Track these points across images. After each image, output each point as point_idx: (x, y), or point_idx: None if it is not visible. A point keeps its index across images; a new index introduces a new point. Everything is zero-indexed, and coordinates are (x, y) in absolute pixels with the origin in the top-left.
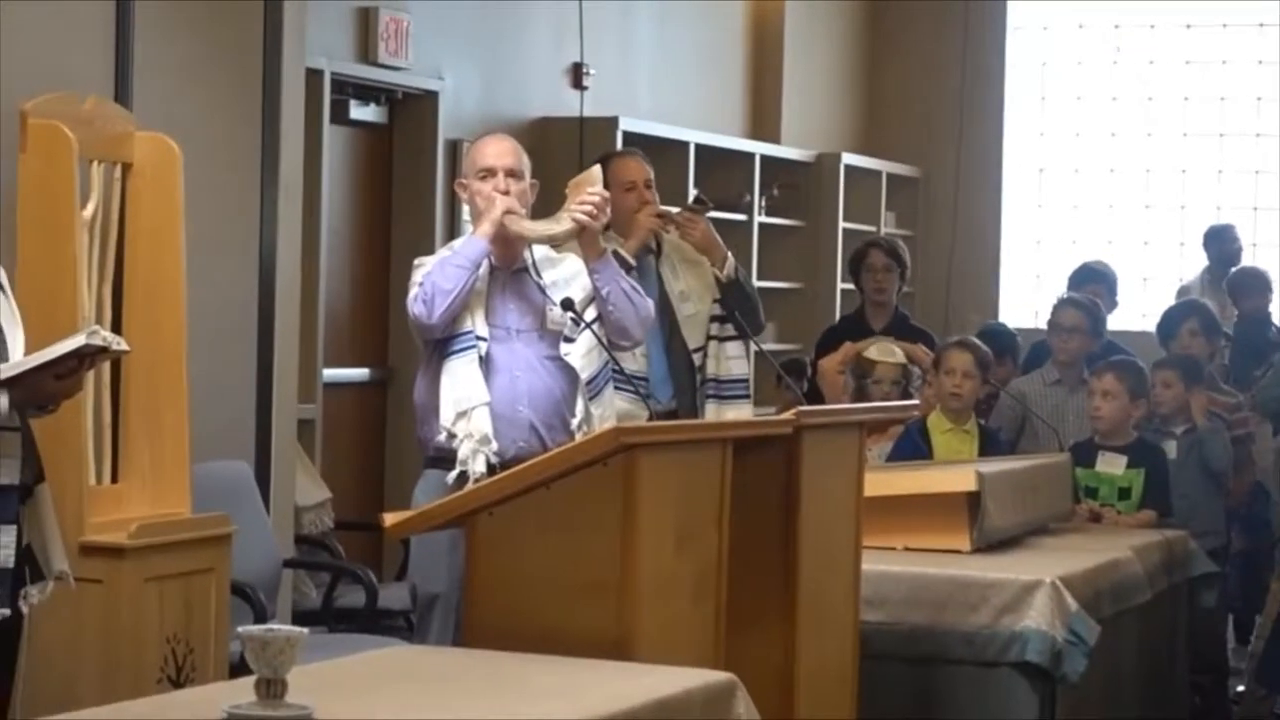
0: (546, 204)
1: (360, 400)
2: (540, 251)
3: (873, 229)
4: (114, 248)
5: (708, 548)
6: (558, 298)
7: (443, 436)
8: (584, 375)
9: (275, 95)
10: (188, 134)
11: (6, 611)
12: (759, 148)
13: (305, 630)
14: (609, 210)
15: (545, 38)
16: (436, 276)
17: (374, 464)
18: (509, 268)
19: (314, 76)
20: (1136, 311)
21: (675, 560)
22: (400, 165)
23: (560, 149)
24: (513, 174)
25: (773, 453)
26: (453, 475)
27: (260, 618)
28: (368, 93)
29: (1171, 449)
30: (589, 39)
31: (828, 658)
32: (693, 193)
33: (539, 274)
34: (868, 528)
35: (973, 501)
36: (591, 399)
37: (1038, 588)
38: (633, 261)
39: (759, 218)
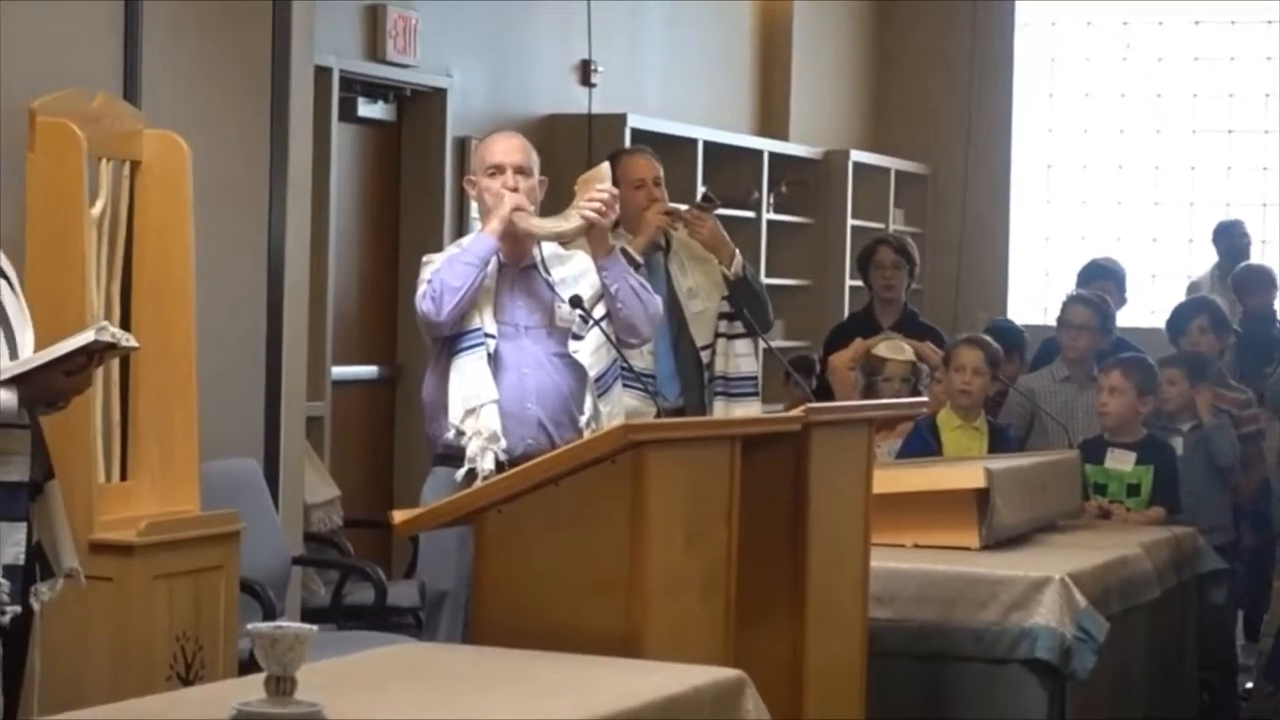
0: (555, 201)
1: (369, 398)
2: (549, 248)
3: (881, 226)
4: (123, 246)
5: (717, 545)
6: (566, 295)
7: (451, 434)
8: (592, 372)
9: (284, 93)
10: (196, 132)
11: (17, 609)
12: (767, 145)
13: (314, 627)
14: (618, 207)
15: (553, 35)
16: (445, 274)
17: (383, 461)
18: (518, 265)
19: (322, 74)
20: (1145, 308)
21: (684, 557)
22: (409, 163)
23: (568, 146)
24: (521, 171)
25: (782, 450)
26: (461, 473)
27: (269, 615)
28: (376, 90)
29: (1177, 446)
30: (597, 36)
31: (837, 654)
32: (701, 190)
33: (548, 271)
34: (877, 525)
35: (982, 498)
36: (600, 396)
37: (1047, 584)
38: (640, 259)
39: (767, 215)
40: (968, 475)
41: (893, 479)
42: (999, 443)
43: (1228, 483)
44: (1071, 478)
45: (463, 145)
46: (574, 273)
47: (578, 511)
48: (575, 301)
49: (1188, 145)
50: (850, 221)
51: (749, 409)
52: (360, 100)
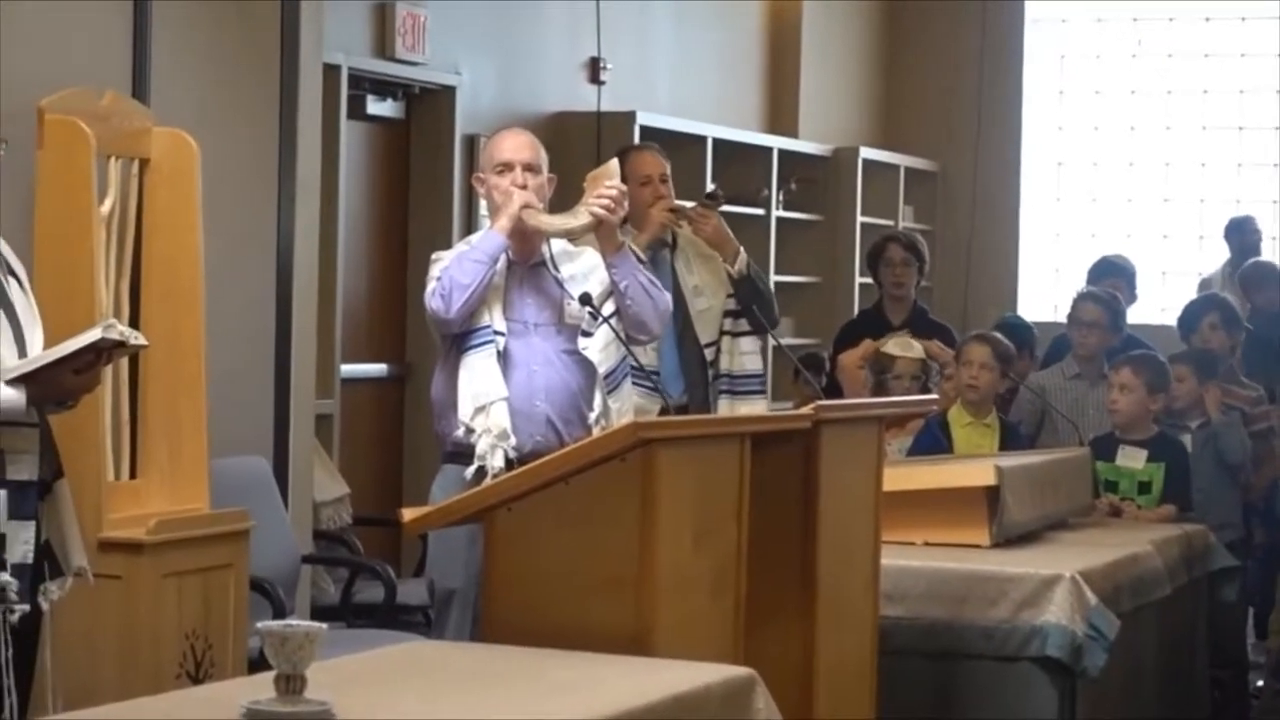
0: (564, 198)
1: (378, 395)
2: (558, 245)
3: (891, 223)
4: (131, 244)
5: (726, 543)
6: (576, 292)
7: (460, 432)
8: (602, 369)
9: (293, 91)
10: (205, 130)
11: (26, 607)
12: (777, 142)
13: (324, 626)
14: (627, 204)
15: (562, 32)
16: (454, 271)
17: (392, 459)
18: (527, 262)
19: (331, 72)
20: (1155, 305)
21: (694, 555)
22: (417, 160)
23: (577, 143)
24: (530, 168)
25: (791, 447)
26: (470, 470)
27: (279, 613)
28: (385, 88)
29: (1187, 443)
30: (606, 33)
31: (847, 653)
32: (710, 186)
33: (557, 268)
34: (887, 522)
35: (992, 496)
36: (609, 393)
37: (1057, 582)
38: (643, 255)
39: (776, 212)
40: (978, 473)
41: (903, 476)
42: (1010, 440)
43: (1237, 480)
44: (1082, 475)
45: (472, 143)
46: (583, 270)
47: (587, 509)
48: (585, 299)
49: (1198, 142)
50: (860, 219)
51: (754, 407)
52: (369, 98)
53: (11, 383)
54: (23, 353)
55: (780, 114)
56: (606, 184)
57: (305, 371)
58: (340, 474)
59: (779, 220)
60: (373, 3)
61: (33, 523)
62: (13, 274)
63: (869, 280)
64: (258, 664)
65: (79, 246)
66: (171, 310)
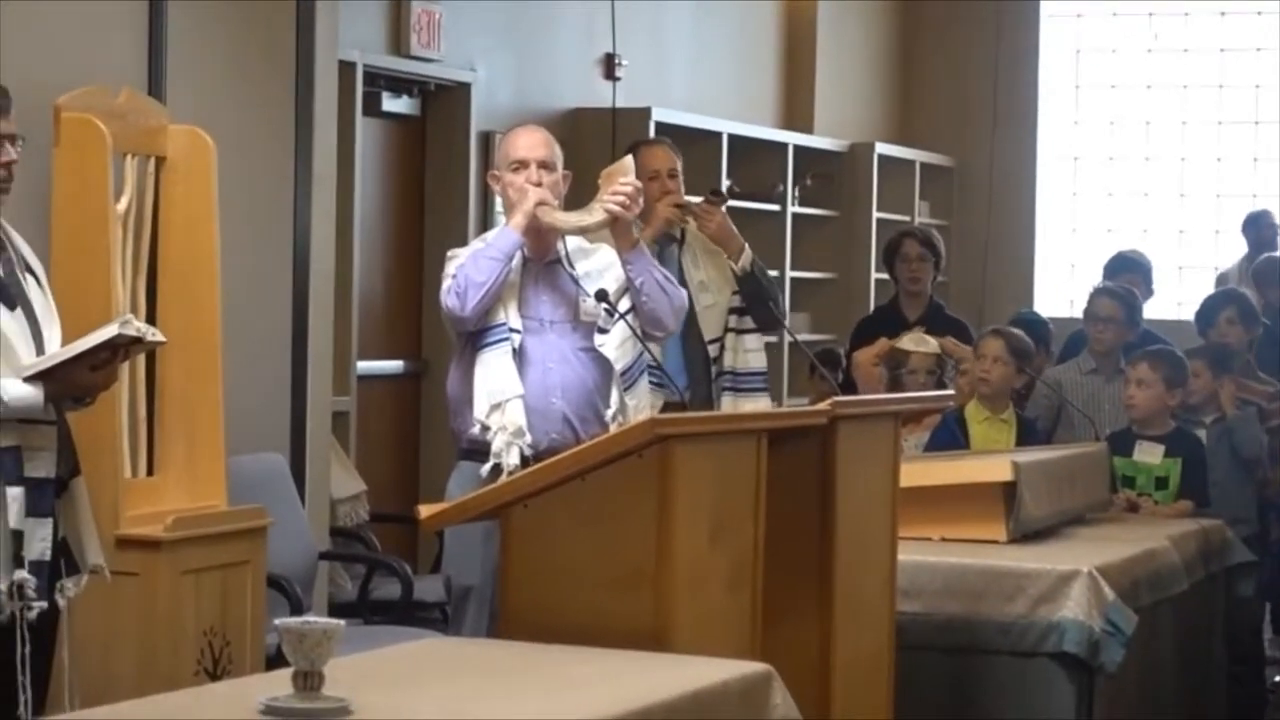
0: (579, 195)
1: (394, 392)
2: (573, 242)
3: (907, 219)
4: (148, 241)
5: (743, 539)
6: (591, 289)
7: (476, 429)
8: (618, 366)
9: (308, 88)
10: (221, 127)
11: (44, 604)
12: (792, 138)
13: (342, 622)
14: (641, 200)
15: (577, 28)
16: (469, 269)
17: (408, 456)
18: (542, 259)
19: (346, 69)
20: (1172, 300)
21: (711, 551)
22: (433, 157)
23: (593, 140)
24: (545, 165)
25: (808, 443)
26: (487, 468)
27: (296, 610)
28: (400, 85)
29: (1202, 438)
30: (621, 29)
31: (864, 648)
32: (726, 183)
33: (572, 265)
34: (904, 518)
35: (1009, 491)
36: (626, 390)
37: (1075, 578)
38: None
39: (792, 208)
40: (995, 468)
41: (920, 472)
42: (1027, 435)
43: (1253, 475)
44: (1099, 470)
45: (487, 139)
46: (598, 266)
47: (604, 506)
48: (601, 296)
49: (1214, 136)
50: (875, 214)
51: (757, 405)
52: (384, 95)
53: (29, 380)
54: (40, 350)
55: (796, 110)
56: (621, 181)
57: (322, 368)
58: (357, 471)
59: (795, 216)
60: (388, 0)
61: (50, 520)
62: (30, 271)
63: (885, 276)
64: (275, 661)
65: (95, 244)
66: (188, 307)
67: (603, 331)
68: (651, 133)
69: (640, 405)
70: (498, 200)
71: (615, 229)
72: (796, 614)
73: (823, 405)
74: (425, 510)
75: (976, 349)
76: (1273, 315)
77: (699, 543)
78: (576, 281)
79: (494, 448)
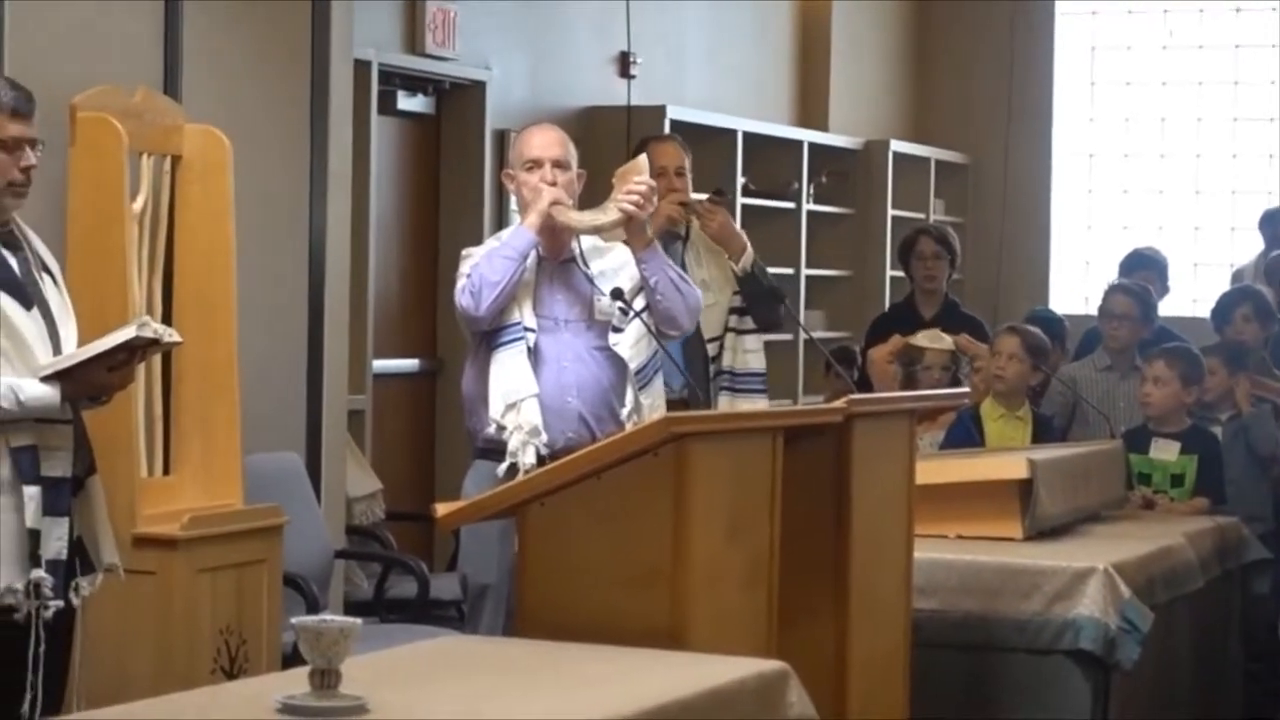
0: (594, 193)
1: (410, 391)
2: (588, 241)
3: (922, 216)
4: (164, 240)
5: (759, 537)
6: (605, 287)
7: (492, 429)
8: (633, 365)
9: (323, 87)
10: (237, 126)
11: (60, 603)
12: (807, 135)
13: (359, 621)
14: (656, 199)
15: (592, 27)
16: (484, 268)
17: (424, 454)
18: (557, 258)
19: (362, 68)
20: (1187, 297)
21: (727, 549)
22: (448, 156)
23: (607, 138)
24: (559, 164)
25: (824, 441)
26: (503, 467)
27: (312, 608)
28: (415, 83)
29: (1217, 435)
30: (636, 27)
31: (880, 646)
32: (742, 180)
33: (587, 264)
34: (919, 516)
35: (1025, 489)
36: (641, 389)
37: (1090, 575)
38: None
39: (807, 205)
40: (1010, 466)
41: (935, 470)
42: (1042, 432)
43: (1268, 472)
44: (1115, 468)
45: (502, 138)
46: (613, 265)
47: (620, 504)
48: (616, 294)
49: (1230, 133)
50: (890, 212)
51: (754, 407)
52: (400, 93)
53: (46, 380)
54: (56, 350)
55: (811, 107)
56: (635, 180)
57: (337, 367)
58: (372, 469)
59: (810, 214)
60: None
61: (66, 519)
62: (47, 271)
63: (900, 273)
64: (291, 659)
65: (111, 243)
66: (204, 306)
67: (617, 331)
68: (666, 131)
69: (655, 404)
70: (513, 199)
71: (629, 228)
72: (812, 612)
73: (838, 403)
74: (442, 509)
75: (992, 346)
76: None
77: (715, 541)
78: (591, 280)
79: (510, 447)
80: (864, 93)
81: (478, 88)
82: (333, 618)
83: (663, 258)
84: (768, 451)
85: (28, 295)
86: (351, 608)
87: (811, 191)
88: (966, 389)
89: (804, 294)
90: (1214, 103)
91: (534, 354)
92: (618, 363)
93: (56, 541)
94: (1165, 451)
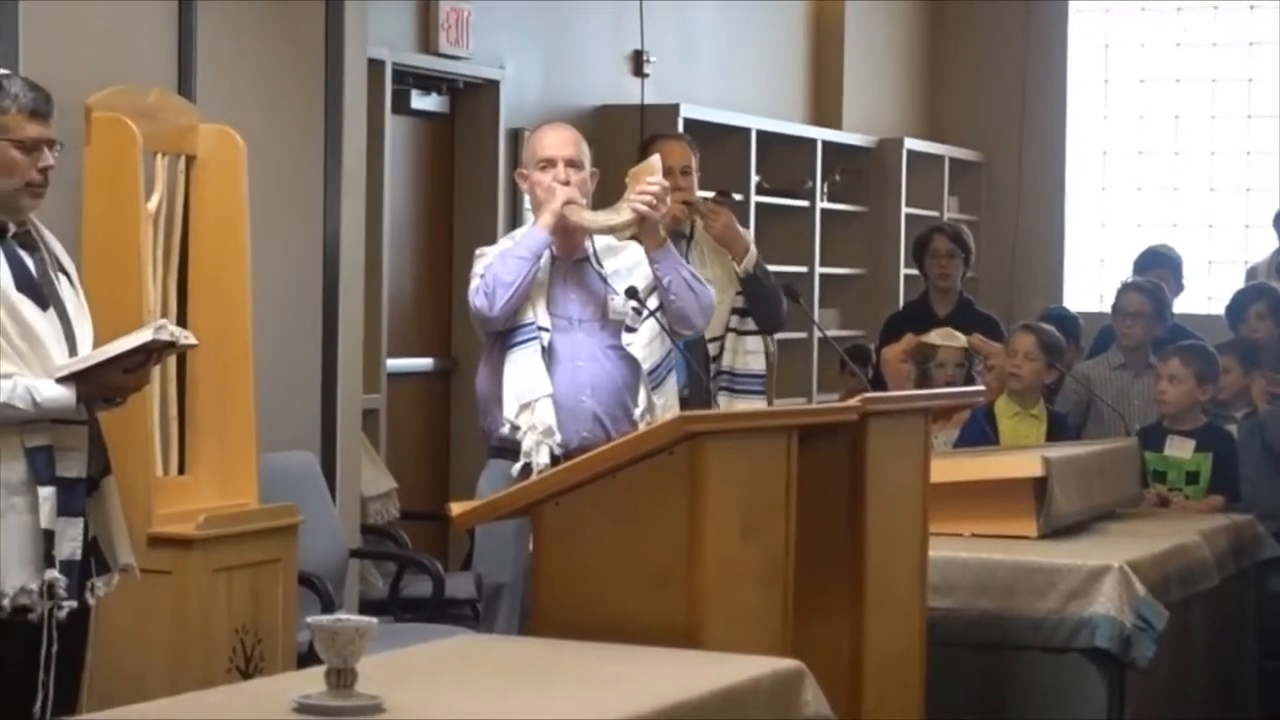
0: (607, 192)
1: (424, 390)
2: (601, 241)
3: (935, 214)
4: (178, 240)
5: (774, 535)
6: (619, 287)
7: (506, 429)
8: (646, 365)
9: (337, 86)
10: (251, 126)
11: (74, 604)
12: (820, 133)
13: (375, 620)
14: (669, 199)
15: (605, 25)
16: (498, 269)
17: (438, 454)
18: (570, 258)
19: (375, 67)
20: (1202, 294)
21: (742, 548)
22: (462, 155)
23: (621, 137)
24: (572, 164)
25: (839, 440)
26: (517, 467)
27: (328, 608)
28: (429, 82)
29: (1232, 433)
30: (649, 26)
31: (895, 644)
32: (755, 179)
33: (600, 263)
34: (934, 514)
35: (1040, 487)
36: (654, 389)
37: (1106, 573)
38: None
39: (821, 204)
40: (1025, 464)
41: (950, 468)
42: (1057, 430)
43: None
44: (1130, 466)
45: (516, 137)
46: (627, 265)
47: (635, 503)
48: (631, 292)
49: (1244, 130)
50: (904, 210)
51: (752, 408)
52: (413, 92)
53: (62, 381)
54: (72, 350)
55: (824, 105)
56: (648, 180)
57: (352, 366)
58: (387, 468)
59: (823, 212)
60: None
61: (81, 520)
62: (63, 271)
63: (914, 271)
64: (307, 659)
65: (126, 243)
66: (219, 306)
67: (630, 330)
68: (680, 129)
69: (668, 404)
70: (526, 197)
71: (643, 228)
72: (827, 610)
73: (853, 402)
74: (457, 508)
75: (1008, 345)
76: None
77: (730, 539)
78: (605, 280)
79: (524, 447)
80: (877, 91)
81: (491, 87)
82: (348, 617)
83: (676, 257)
84: (783, 450)
85: (44, 296)
86: (366, 607)
87: (825, 190)
88: (982, 387)
89: (818, 292)
90: (1228, 100)
91: (548, 354)
92: (631, 362)
93: (71, 542)
94: (1180, 449)
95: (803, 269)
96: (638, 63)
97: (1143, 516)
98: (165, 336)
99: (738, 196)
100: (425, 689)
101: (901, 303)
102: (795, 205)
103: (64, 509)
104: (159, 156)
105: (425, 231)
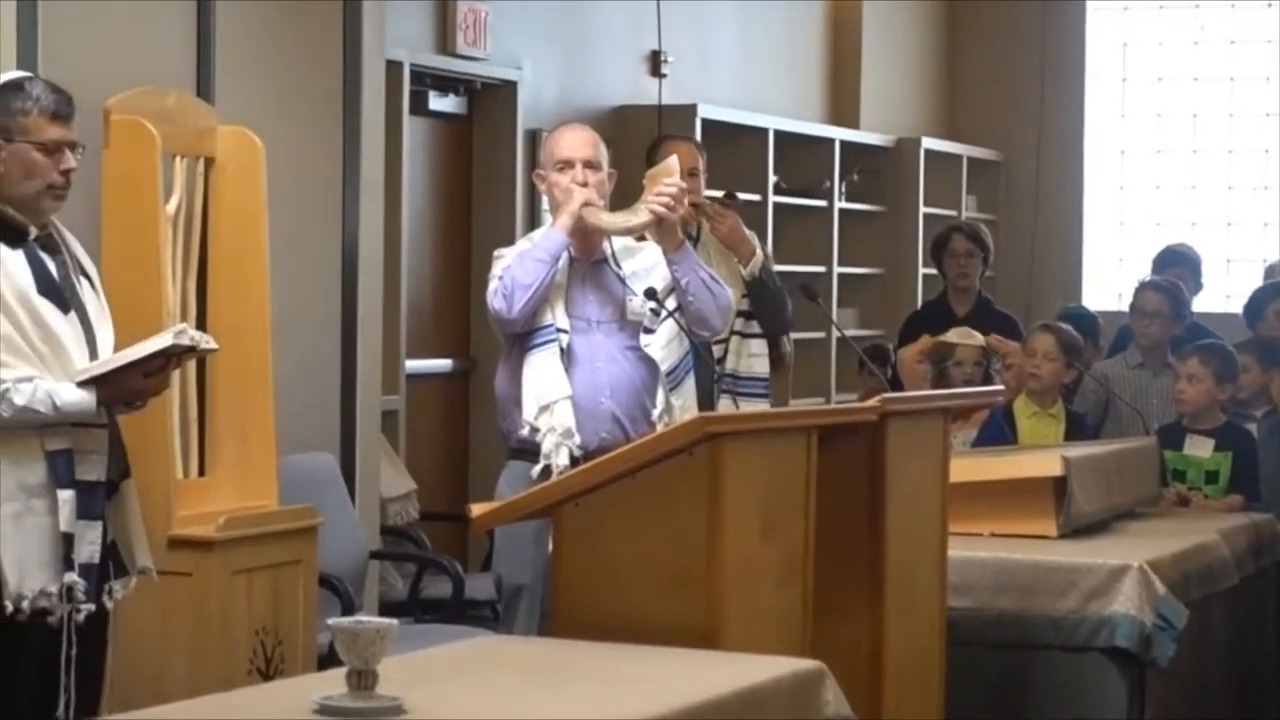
0: (625, 193)
1: (443, 391)
2: (619, 242)
3: (954, 214)
4: (198, 242)
5: (794, 536)
6: (637, 288)
7: (525, 430)
8: (664, 366)
9: (355, 87)
10: (269, 127)
11: (92, 606)
12: (838, 133)
13: (396, 622)
14: (687, 201)
15: (623, 26)
16: (516, 271)
17: (457, 455)
18: (588, 259)
19: (393, 68)
20: (1220, 293)
21: (761, 548)
22: (480, 155)
23: (639, 138)
24: (590, 165)
25: (858, 440)
26: (537, 469)
27: (348, 609)
28: (447, 84)
29: (1252, 432)
30: (666, 26)
31: (915, 644)
32: (773, 178)
33: (618, 264)
34: (954, 514)
35: (1059, 486)
36: (672, 390)
37: (1125, 572)
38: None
39: (839, 203)
40: (1045, 463)
41: (969, 468)
42: (1075, 430)
43: None
44: (1149, 465)
45: (534, 137)
46: (645, 266)
47: (654, 504)
48: (650, 294)
49: (1262, 128)
50: (922, 209)
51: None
52: (431, 94)
53: (82, 384)
54: (93, 353)
55: (842, 105)
56: (666, 181)
57: (371, 368)
58: (407, 469)
59: (841, 212)
60: None
61: (100, 523)
62: (85, 274)
63: (932, 271)
64: (327, 660)
65: (146, 246)
66: (238, 308)
67: (648, 331)
68: (698, 130)
69: (686, 405)
70: (544, 198)
71: (661, 229)
72: (847, 611)
73: (873, 402)
74: (477, 509)
75: (1026, 345)
76: None
77: (749, 540)
78: (623, 281)
79: (543, 449)
80: (895, 90)
81: (509, 88)
82: (369, 619)
83: (694, 258)
84: (802, 450)
85: (65, 299)
86: (386, 608)
87: (843, 189)
88: (1001, 387)
89: (836, 292)
90: (1246, 98)
91: (567, 355)
92: (650, 364)
93: (90, 545)
94: (1199, 448)
95: (821, 269)
96: (655, 63)
97: (1162, 516)
98: (185, 341)
99: (755, 197)
100: (446, 690)
101: (920, 302)
102: (813, 205)
103: (83, 512)
104: (178, 159)
105: (443, 232)
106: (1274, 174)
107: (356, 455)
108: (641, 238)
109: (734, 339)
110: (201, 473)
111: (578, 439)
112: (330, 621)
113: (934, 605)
